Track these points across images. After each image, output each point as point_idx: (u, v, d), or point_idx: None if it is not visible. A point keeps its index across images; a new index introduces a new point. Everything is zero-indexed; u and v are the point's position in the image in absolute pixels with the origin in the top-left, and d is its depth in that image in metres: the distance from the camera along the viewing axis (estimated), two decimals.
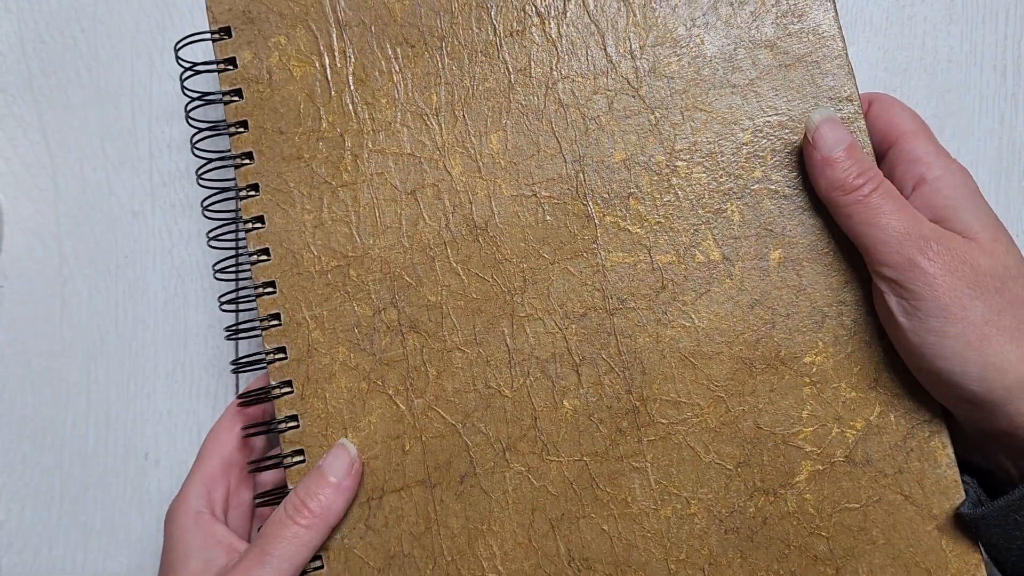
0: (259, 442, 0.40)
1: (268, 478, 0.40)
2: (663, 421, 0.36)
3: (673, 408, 0.36)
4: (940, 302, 0.31)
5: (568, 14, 0.37)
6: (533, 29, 0.37)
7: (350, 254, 0.37)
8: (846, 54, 0.36)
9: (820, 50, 0.36)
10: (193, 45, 0.41)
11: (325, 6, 0.38)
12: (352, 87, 0.37)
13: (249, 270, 0.38)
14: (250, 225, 0.38)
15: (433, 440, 0.36)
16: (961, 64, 0.47)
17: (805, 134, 0.34)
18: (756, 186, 0.36)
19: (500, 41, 0.37)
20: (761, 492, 0.35)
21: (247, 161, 0.38)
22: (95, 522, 0.46)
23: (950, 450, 0.35)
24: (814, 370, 0.35)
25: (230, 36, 0.38)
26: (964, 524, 0.34)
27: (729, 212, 0.36)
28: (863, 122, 0.35)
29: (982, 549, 0.35)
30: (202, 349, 0.47)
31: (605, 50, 0.37)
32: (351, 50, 0.37)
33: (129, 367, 0.47)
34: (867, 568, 0.35)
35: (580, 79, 0.37)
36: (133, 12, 0.47)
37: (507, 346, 0.36)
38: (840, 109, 0.35)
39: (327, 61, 0.38)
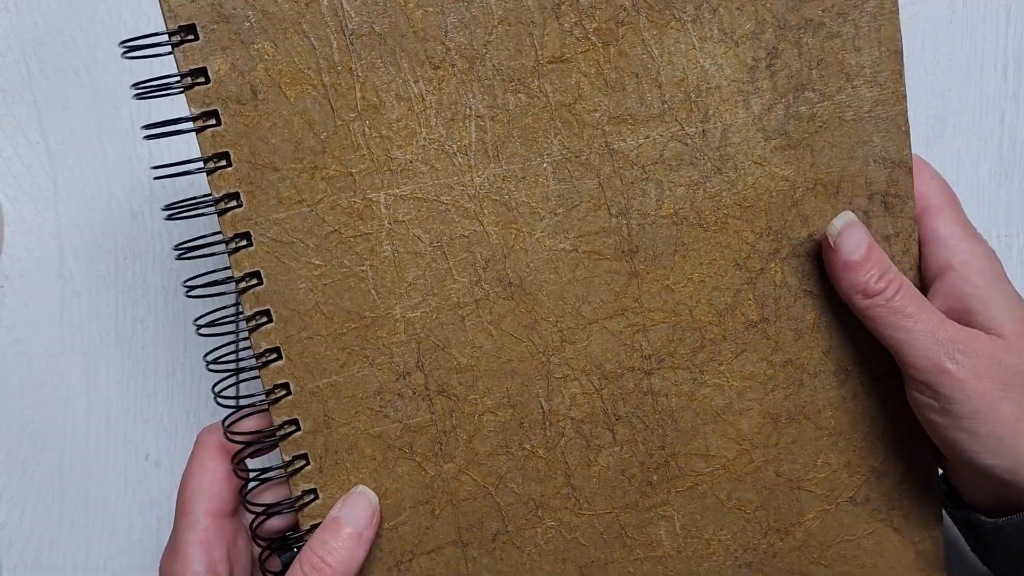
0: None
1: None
2: (692, 473, 0.35)
3: (702, 461, 0.35)
4: (970, 405, 0.31)
5: (621, 41, 0.31)
6: (581, 57, 0.31)
7: (368, 314, 0.32)
8: (906, 114, 0.33)
9: (879, 108, 0.33)
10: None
11: (323, 5, 0.30)
12: (363, 114, 0.31)
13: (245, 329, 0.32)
14: (243, 284, 0.31)
15: (465, 503, 0.34)
16: (962, 63, 0.46)
17: (825, 239, 0.33)
18: (801, 247, 0.33)
19: (542, 69, 0.31)
20: (774, 531, 0.36)
21: (233, 203, 0.31)
22: (96, 522, 0.46)
23: (937, 488, 0.36)
24: (833, 424, 0.35)
25: (196, 39, 0.30)
26: (984, 532, 0.34)
27: (772, 272, 0.33)
28: (911, 181, 0.33)
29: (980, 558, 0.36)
30: (202, 349, 0.46)
31: (660, 88, 0.32)
32: (359, 67, 0.30)
33: (129, 368, 0.46)
34: None
35: (631, 122, 0.32)
36: (132, 12, 0.46)
37: (542, 408, 0.34)
38: (890, 171, 0.33)
39: (328, 79, 0.30)
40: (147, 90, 0.31)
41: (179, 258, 0.32)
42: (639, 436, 0.34)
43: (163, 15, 0.30)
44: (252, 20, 0.30)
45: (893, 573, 0.37)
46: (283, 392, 0.33)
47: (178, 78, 0.30)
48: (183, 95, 0.30)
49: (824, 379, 0.35)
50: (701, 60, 0.32)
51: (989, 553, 0.35)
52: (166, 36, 0.30)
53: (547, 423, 0.34)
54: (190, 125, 0.31)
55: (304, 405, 0.33)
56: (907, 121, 0.33)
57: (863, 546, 0.36)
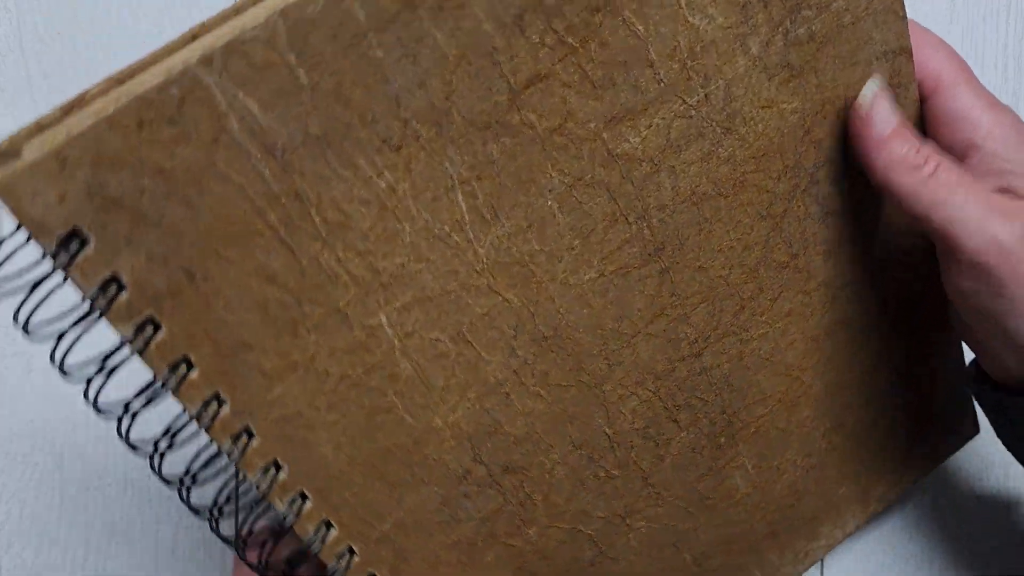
0: None
1: None
2: (753, 420, 0.35)
3: (760, 405, 0.35)
4: None
5: (600, 30, 0.26)
6: (559, 68, 0.26)
7: (408, 440, 0.28)
8: None
9: (877, 2, 0.30)
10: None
11: (234, 132, 0.22)
12: (327, 239, 0.25)
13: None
14: (264, 485, 0.26)
15: (556, 549, 0.33)
16: None
17: (856, 111, 0.29)
18: (818, 173, 0.32)
19: (520, 99, 0.26)
20: (832, 430, 0.38)
21: (215, 406, 0.25)
22: (95, 522, 0.45)
23: (958, 344, 0.39)
24: (865, 320, 0.36)
25: (84, 244, 0.22)
26: (1017, 414, 0.33)
27: (795, 208, 0.32)
28: (912, 65, 0.31)
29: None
30: None
31: (652, 68, 0.27)
32: (306, 186, 0.24)
33: (129, 367, 0.46)
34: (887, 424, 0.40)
35: (629, 117, 0.28)
36: (133, 13, 0.47)
37: (606, 434, 0.32)
38: (892, 62, 0.30)
39: (274, 217, 0.24)
40: (41, 329, 0.24)
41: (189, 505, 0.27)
42: (700, 413, 0.34)
43: (30, 234, 0.21)
44: (149, 188, 0.22)
45: (923, 430, 0.41)
46: (349, 556, 0.29)
47: (87, 303, 0.22)
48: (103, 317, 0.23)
49: (855, 289, 0.35)
50: (690, 18, 0.27)
51: (1019, 437, 0.34)
52: (49, 256, 0.21)
53: (614, 445, 0.32)
54: (127, 351, 0.24)
55: (374, 557, 0.29)
56: (903, 6, 0.30)
57: (897, 417, 0.39)
